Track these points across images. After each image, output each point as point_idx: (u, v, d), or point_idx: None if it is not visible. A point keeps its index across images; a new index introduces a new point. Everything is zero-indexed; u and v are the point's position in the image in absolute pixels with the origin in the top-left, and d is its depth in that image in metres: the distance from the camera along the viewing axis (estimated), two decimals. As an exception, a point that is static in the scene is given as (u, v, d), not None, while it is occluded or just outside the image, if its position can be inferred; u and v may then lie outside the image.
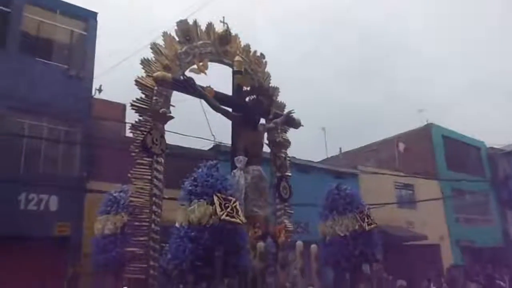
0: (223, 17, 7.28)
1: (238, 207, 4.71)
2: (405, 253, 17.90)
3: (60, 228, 11.47)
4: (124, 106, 14.18)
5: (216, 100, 6.40)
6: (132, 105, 5.96)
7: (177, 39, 6.61)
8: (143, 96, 6.01)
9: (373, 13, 63.77)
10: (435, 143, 24.15)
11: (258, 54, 7.82)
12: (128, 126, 7.60)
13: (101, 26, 14.18)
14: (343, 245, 6.10)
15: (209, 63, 6.80)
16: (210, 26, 7.10)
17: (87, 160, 12.57)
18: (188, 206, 4.65)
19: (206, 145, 14.11)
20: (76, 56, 13.89)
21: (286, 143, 7.89)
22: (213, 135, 13.18)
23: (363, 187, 15.86)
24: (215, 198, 4.57)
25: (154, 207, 5.69)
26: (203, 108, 6.81)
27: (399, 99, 58.71)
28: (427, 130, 24.47)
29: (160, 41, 6.42)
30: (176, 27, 6.65)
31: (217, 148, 13.66)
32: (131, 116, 6.31)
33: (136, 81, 6.04)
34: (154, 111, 5.97)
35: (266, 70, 7.91)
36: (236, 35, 7.44)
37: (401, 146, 23.39)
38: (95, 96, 13.70)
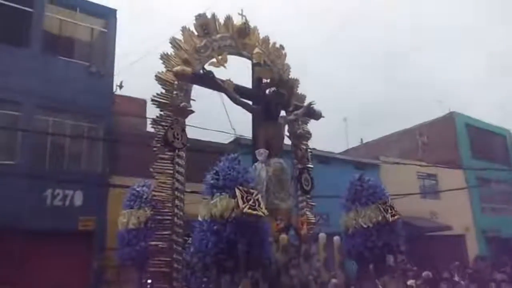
0: (242, 10, 7.24)
1: (260, 199, 4.69)
2: (429, 244, 17.69)
3: (85, 223, 11.72)
4: (145, 101, 14.30)
5: (236, 93, 6.38)
6: (152, 100, 5.98)
7: (196, 33, 6.59)
8: (163, 91, 6.02)
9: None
10: (458, 132, 23.72)
11: (278, 45, 7.75)
12: (149, 121, 7.67)
13: (121, 23, 14.31)
14: (366, 237, 6.02)
15: (228, 56, 6.77)
16: (228, 19, 7.07)
17: (110, 155, 12.76)
18: (210, 199, 4.66)
19: (226, 139, 14.16)
20: (96, 53, 14.09)
21: (307, 135, 7.82)
22: (233, 128, 13.19)
23: (385, 178, 15.66)
24: (237, 191, 4.55)
25: (176, 201, 5.71)
26: (223, 102, 6.77)
27: (421, 88, 57.67)
28: (450, 119, 24.04)
29: (179, 36, 6.44)
30: (194, 21, 6.65)
31: (238, 141, 13.66)
32: (152, 111, 6.35)
33: (156, 76, 6.06)
34: (175, 105, 5.98)
35: (285, 61, 7.84)
36: (255, 27, 7.38)
37: (424, 136, 23.00)
38: (116, 92, 13.85)
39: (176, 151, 5.86)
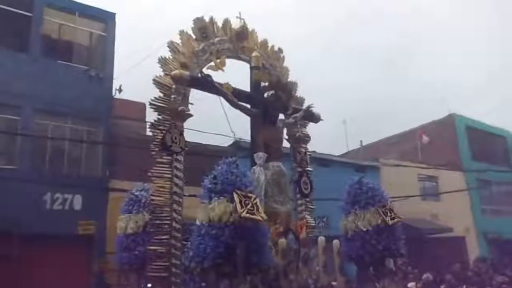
0: (239, 13, 7.24)
1: (258, 203, 4.66)
2: (429, 246, 17.64)
3: (85, 227, 11.68)
4: (144, 105, 14.26)
5: (234, 96, 6.37)
6: (150, 104, 5.98)
7: (194, 36, 6.59)
8: (161, 94, 6.02)
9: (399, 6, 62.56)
10: (458, 133, 23.68)
11: (276, 48, 7.75)
12: (148, 125, 7.67)
13: (119, 27, 14.32)
14: (366, 240, 5.99)
15: (226, 60, 6.76)
16: (226, 22, 7.06)
17: (109, 159, 12.75)
18: (208, 204, 4.64)
19: (225, 142, 14.14)
20: (96, 57, 14.09)
21: (306, 138, 7.81)
22: (232, 131, 13.16)
23: (385, 180, 15.65)
24: (235, 196, 4.53)
25: (174, 205, 5.70)
26: (221, 105, 6.76)
27: (422, 88, 57.61)
28: (450, 121, 24.01)
29: (177, 39, 6.43)
30: (192, 25, 6.64)
31: (237, 145, 13.65)
32: (152, 115, 6.34)
33: (154, 80, 6.05)
34: (173, 109, 5.97)
35: (284, 64, 7.84)
36: (253, 31, 7.37)
37: (425, 138, 22.93)
38: (115, 96, 13.85)
39: (174, 155, 5.85)
